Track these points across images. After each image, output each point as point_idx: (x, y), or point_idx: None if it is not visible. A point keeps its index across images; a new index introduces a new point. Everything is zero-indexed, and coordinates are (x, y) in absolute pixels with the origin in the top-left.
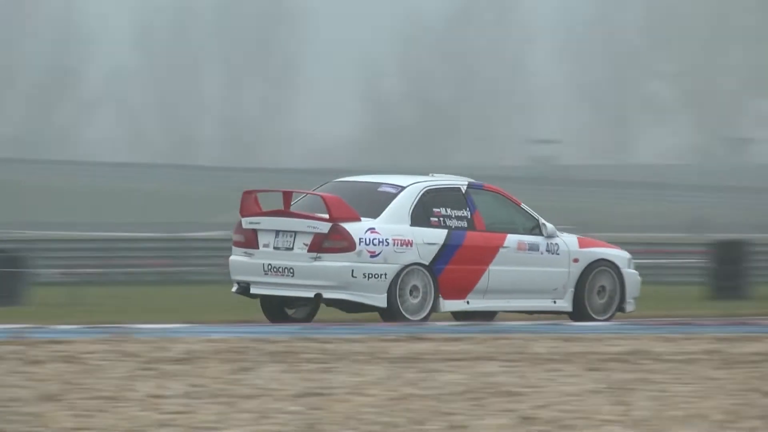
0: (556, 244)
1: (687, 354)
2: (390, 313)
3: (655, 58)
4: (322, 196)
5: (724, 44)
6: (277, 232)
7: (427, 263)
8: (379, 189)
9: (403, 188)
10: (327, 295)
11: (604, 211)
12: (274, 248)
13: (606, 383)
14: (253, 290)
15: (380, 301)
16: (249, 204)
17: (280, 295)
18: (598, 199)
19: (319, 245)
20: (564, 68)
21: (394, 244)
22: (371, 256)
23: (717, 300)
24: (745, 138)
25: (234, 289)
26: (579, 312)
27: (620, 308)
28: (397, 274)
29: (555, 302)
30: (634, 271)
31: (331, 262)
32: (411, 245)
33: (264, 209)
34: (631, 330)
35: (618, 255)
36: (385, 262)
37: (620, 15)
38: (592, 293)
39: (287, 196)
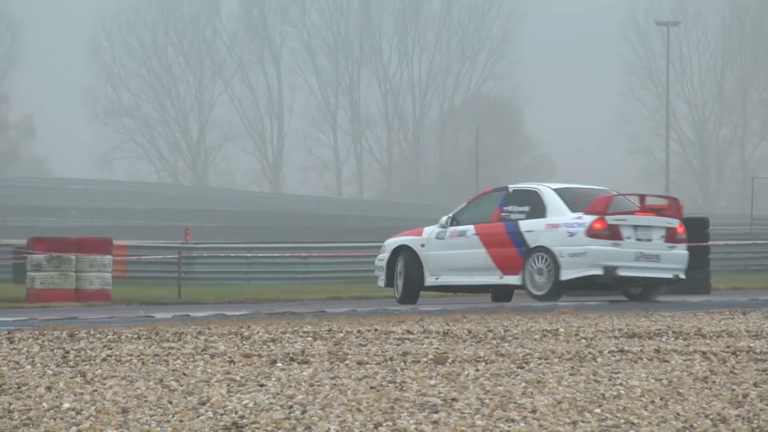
0: None
1: None
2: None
3: None
4: (676, 199)
5: None
6: (636, 227)
7: None
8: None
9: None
10: (681, 276)
11: None
12: (636, 240)
13: None
14: (622, 273)
15: None
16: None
17: (646, 276)
18: None
19: (673, 237)
20: None
21: None
22: None
23: None
24: None
25: (599, 272)
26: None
27: None
28: None
29: None
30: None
31: (682, 251)
32: None
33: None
34: None
35: None
36: None
37: None
38: None
39: (643, 198)
